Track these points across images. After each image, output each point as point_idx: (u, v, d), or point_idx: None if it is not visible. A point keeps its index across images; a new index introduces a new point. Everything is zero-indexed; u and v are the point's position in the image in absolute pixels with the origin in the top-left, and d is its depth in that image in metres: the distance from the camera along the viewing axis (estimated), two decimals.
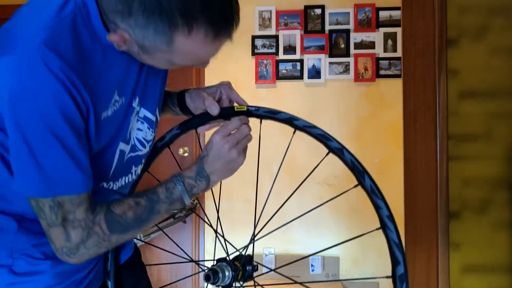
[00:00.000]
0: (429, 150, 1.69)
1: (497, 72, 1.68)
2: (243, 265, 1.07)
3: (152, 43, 0.88)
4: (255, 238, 1.13)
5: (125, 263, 1.20)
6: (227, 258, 1.09)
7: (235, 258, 1.09)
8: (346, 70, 3.40)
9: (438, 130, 1.68)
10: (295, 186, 1.14)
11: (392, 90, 3.33)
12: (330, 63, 3.41)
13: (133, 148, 1.06)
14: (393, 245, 0.96)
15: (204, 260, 3.24)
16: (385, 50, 3.38)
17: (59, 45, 0.84)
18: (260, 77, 3.45)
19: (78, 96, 0.86)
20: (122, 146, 1.02)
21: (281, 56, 3.45)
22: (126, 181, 1.08)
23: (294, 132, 1.07)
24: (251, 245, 1.11)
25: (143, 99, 1.06)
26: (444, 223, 1.68)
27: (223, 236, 1.16)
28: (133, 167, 1.09)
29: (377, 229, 0.99)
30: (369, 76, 3.38)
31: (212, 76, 3.38)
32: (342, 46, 3.40)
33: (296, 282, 1.16)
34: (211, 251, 3.42)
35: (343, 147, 1.02)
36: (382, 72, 3.38)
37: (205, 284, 1.04)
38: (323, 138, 1.04)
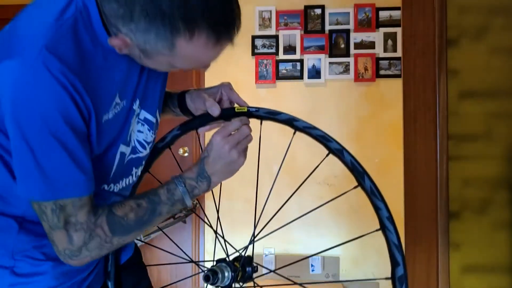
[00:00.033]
0: (429, 150, 1.69)
1: (497, 72, 1.68)
2: (243, 266, 1.07)
3: (153, 47, 0.88)
4: (255, 239, 1.13)
5: (125, 264, 1.21)
6: (227, 259, 1.09)
7: (235, 259, 1.09)
8: (346, 70, 3.40)
9: (438, 130, 1.68)
10: (295, 186, 1.14)
11: (392, 90, 3.33)
12: (330, 63, 3.41)
13: (134, 150, 1.06)
14: (393, 247, 0.96)
15: (204, 261, 3.25)
16: (385, 50, 3.38)
17: (60, 49, 0.85)
18: (260, 77, 3.45)
19: (80, 100, 0.87)
20: (122, 148, 1.02)
21: (281, 56, 3.45)
22: (127, 183, 1.09)
23: (294, 133, 1.07)
24: (250, 246, 1.11)
25: (144, 101, 1.06)
26: (444, 223, 1.68)
27: (223, 237, 1.16)
28: (134, 168, 1.09)
29: (376, 230, 1.00)
30: (369, 76, 3.38)
31: (212, 76, 3.38)
32: (342, 46, 3.40)
33: (295, 283, 1.16)
34: (211, 251, 3.42)
35: (343, 148, 1.02)
36: (382, 72, 3.38)
37: (205, 284, 1.04)
38: (323, 139, 1.04)
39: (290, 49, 3.44)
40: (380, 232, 0.99)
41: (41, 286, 1.00)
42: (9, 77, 0.84)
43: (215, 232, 1.16)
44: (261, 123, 1.11)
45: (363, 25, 3.40)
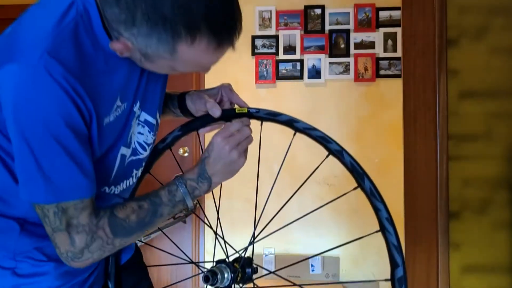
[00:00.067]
0: (429, 150, 1.69)
1: (497, 72, 1.68)
2: (243, 267, 1.07)
3: (155, 51, 0.88)
4: (255, 240, 1.13)
5: (126, 264, 1.21)
6: (227, 259, 1.10)
7: (235, 260, 1.09)
8: (346, 70, 3.40)
9: (438, 130, 1.68)
10: (295, 186, 1.14)
11: (392, 90, 3.33)
12: (330, 63, 3.41)
13: (134, 152, 1.07)
14: (392, 248, 0.96)
15: (203, 262, 3.25)
16: (385, 50, 3.38)
17: (61, 53, 0.85)
18: (260, 77, 3.45)
19: (81, 103, 0.87)
20: (123, 150, 1.03)
21: (281, 56, 3.45)
22: (127, 184, 1.09)
23: (294, 134, 1.08)
24: (250, 247, 1.11)
25: (144, 103, 1.06)
26: (444, 223, 1.68)
27: (223, 238, 1.16)
28: (134, 170, 1.09)
29: (376, 231, 1.00)
30: (369, 76, 3.38)
31: (212, 76, 3.35)
32: (342, 46, 3.40)
33: (295, 284, 1.16)
34: (211, 251, 3.42)
35: (343, 149, 1.03)
36: (382, 72, 3.38)
37: (205, 285, 1.04)
38: (323, 140, 1.04)
39: (290, 49, 3.44)
40: (380, 232, 0.99)
41: (43, 286, 1.00)
42: (11, 81, 0.84)
43: (215, 233, 1.16)
44: (261, 124, 1.11)
45: (363, 25, 3.40)
